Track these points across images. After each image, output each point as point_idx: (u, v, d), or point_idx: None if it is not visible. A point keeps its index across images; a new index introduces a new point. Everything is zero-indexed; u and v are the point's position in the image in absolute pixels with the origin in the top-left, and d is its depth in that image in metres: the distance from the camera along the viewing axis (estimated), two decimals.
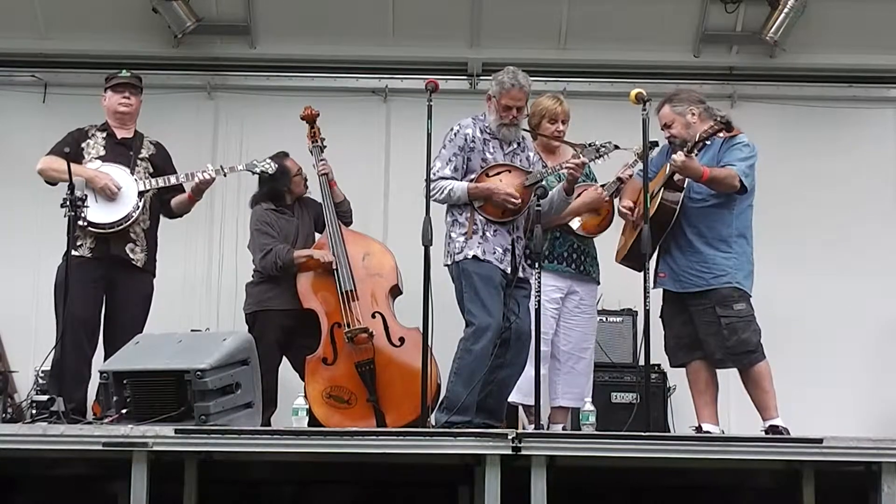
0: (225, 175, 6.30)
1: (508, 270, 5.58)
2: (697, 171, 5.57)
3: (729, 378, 5.88)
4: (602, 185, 6.09)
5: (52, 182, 6.10)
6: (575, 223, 6.04)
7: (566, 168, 5.66)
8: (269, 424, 5.99)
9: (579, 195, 5.98)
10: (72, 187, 5.58)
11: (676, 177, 5.67)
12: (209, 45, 8.13)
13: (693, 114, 5.79)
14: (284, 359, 6.55)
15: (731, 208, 5.71)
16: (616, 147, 5.71)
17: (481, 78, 7.98)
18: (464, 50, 8.09)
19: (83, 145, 6.14)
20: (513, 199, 5.58)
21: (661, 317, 5.84)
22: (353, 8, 7.99)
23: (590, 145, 5.71)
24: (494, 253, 5.56)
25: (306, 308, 6.45)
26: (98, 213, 5.89)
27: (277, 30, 8.07)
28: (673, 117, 5.80)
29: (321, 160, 6.74)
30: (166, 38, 7.96)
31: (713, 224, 5.70)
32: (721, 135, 5.64)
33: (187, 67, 8.15)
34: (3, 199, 7.84)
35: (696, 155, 5.61)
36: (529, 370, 5.55)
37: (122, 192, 6.02)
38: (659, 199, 5.70)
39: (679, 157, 5.54)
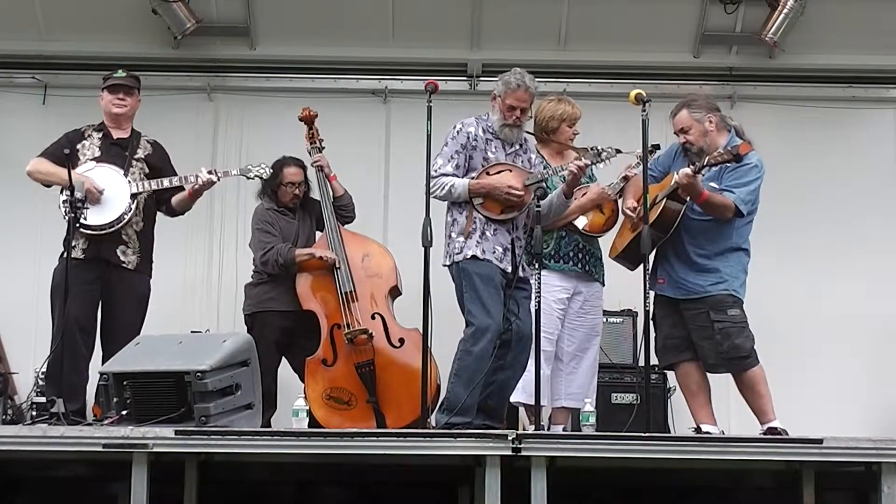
0: (219, 178, 6.24)
1: (508, 270, 5.57)
2: (698, 192, 5.56)
3: (729, 380, 5.87)
4: (608, 185, 6.10)
5: (45, 184, 6.10)
6: (580, 222, 6.05)
7: (568, 170, 5.67)
8: (269, 426, 5.99)
9: (583, 195, 6.00)
10: (72, 189, 5.59)
11: (680, 190, 5.66)
12: (209, 47, 8.14)
13: (710, 122, 5.77)
14: (284, 360, 6.54)
15: (731, 223, 5.69)
16: (618, 152, 5.71)
17: (481, 79, 8.00)
18: (464, 51, 8.10)
19: (79, 146, 6.11)
20: (516, 192, 5.57)
21: (652, 318, 5.83)
22: (352, 9, 8.00)
23: (591, 149, 5.72)
24: (494, 252, 5.55)
25: (306, 309, 6.44)
26: (91, 215, 5.86)
27: (277, 31, 8.07)
28: (691, 122, 5.78)
29: (317, 157, 6.69)
30: (166, 40, 7.97)
31: (713, 238, 5.70)
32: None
33: (187, 69, 8.15)
34: (3, 201, 7.84)
35: (703, 176, 5.60)
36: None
37: (114, 194, 5.98)
38: (662, 206, 5.69)
39: (686, 171, 5.52)
